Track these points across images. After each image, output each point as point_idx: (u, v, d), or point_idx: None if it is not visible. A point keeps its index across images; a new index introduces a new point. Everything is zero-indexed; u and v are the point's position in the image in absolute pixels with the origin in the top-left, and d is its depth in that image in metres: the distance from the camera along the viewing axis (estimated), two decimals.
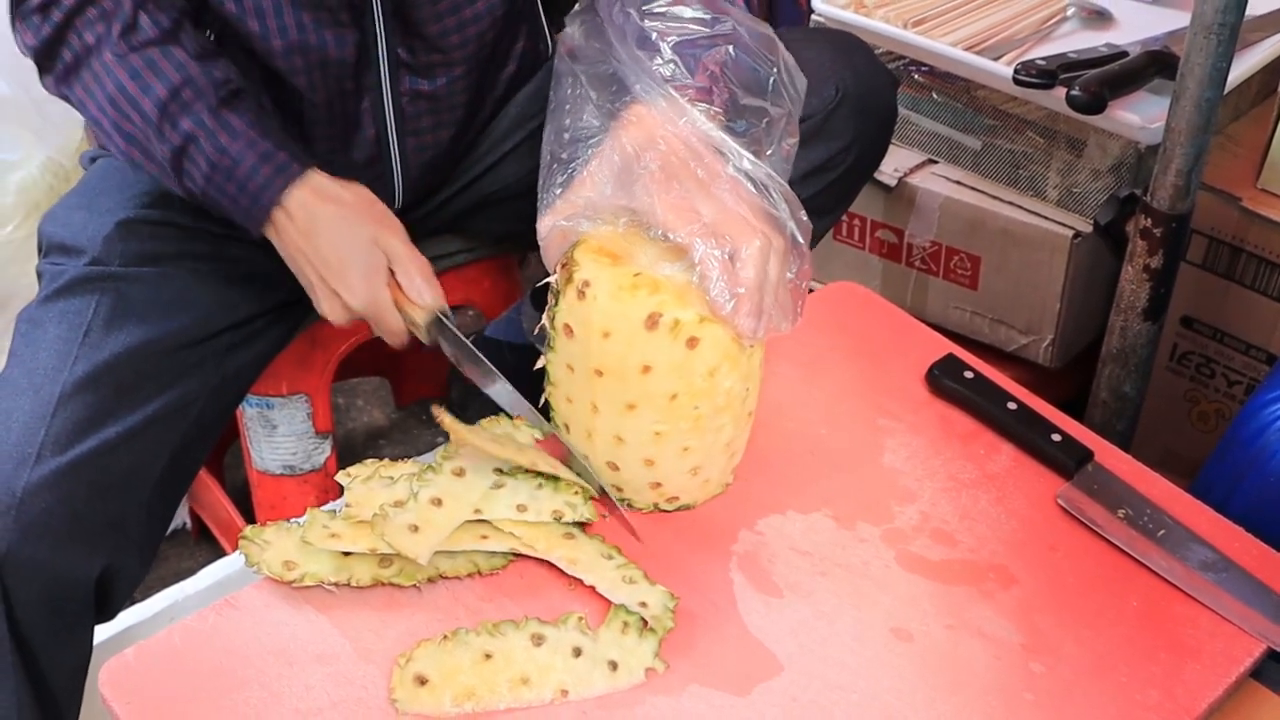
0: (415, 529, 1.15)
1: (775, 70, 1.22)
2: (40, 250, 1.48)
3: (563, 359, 1.20)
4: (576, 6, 1.30)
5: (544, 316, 1.22)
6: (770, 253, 1.15)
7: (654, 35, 1.22)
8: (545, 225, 1.22)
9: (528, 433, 1.28)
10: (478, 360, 1.31)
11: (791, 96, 1.23)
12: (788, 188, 1.18)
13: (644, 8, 1.23)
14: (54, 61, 1.36)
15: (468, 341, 1.32)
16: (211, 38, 1.39)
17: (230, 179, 1.33)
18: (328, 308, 1.37)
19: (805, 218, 1.18)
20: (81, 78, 1.35)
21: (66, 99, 1.38)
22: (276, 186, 1.33)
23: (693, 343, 1.14)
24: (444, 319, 1.34)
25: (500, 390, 1.31)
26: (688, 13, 1.23)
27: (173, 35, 1.35)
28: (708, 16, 1.23)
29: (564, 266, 1.18)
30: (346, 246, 1.34)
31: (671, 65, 1.21)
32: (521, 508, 1.20)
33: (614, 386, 1.18)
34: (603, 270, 1.16)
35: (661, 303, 1.14)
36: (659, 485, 1.24)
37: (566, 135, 1.24)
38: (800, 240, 1.17)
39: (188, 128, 1.33)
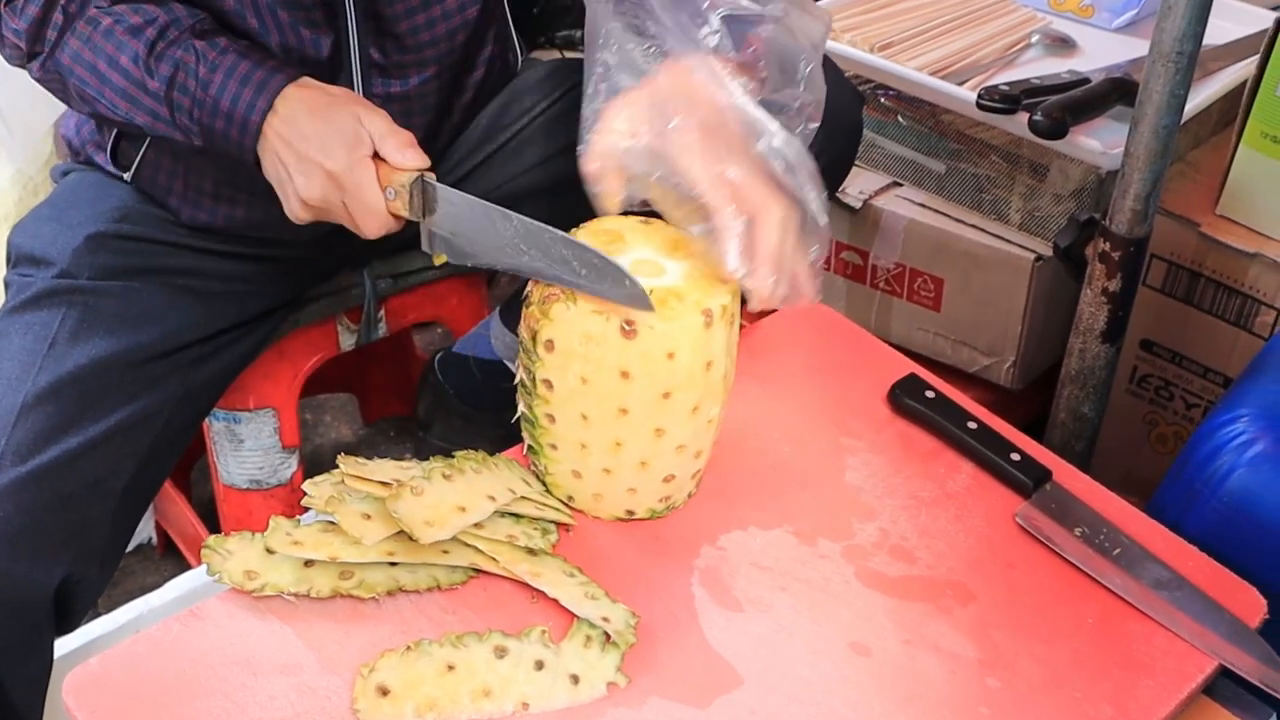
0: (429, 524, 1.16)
1: (814, 57, 1.23)
2: (8, 261, 1.48)
3: (541, 372, 1.20)
4: None
5: (521, 326, 1.23)
6: (790, 223, 1.16)
7: (705, 4, 1.22)
8: (591, 169, 1.20)
9: (506, 472, 1.28)
10: (477, 204, 1.26)
11: (820, 85, 1.24)
12: (815, 168, 1.18)
13: None
14: (42, 41, 1.35)
15: (461, 192, 1.27)
16: None
17: (216, 113, 1.32)
18: (302, 183, 1.30)
19: (825, 198, 1.19)
20: (68, 44, 1.34)
21: (56, 74, 1.37)
22: (266, 97, 1.31)
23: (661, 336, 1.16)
24: (428, 179, 1.28)
25: (506, 228, 1.24)
26: None
27: None
28: None
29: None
30: (330, 120, 1.30)
31: (718, 36, 1.21)
32: (479, 525, 1.20)
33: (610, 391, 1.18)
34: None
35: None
36: (669, 479, 1.25)
37: (610, 75, 1.23)
38: (820, 223, 1.18)
39: (177, 56, 1.32)
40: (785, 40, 1.23)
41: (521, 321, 1.22)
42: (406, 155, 1.29)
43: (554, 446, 1.24)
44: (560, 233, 1.18)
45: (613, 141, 1.19)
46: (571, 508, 1.27)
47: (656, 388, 1.17)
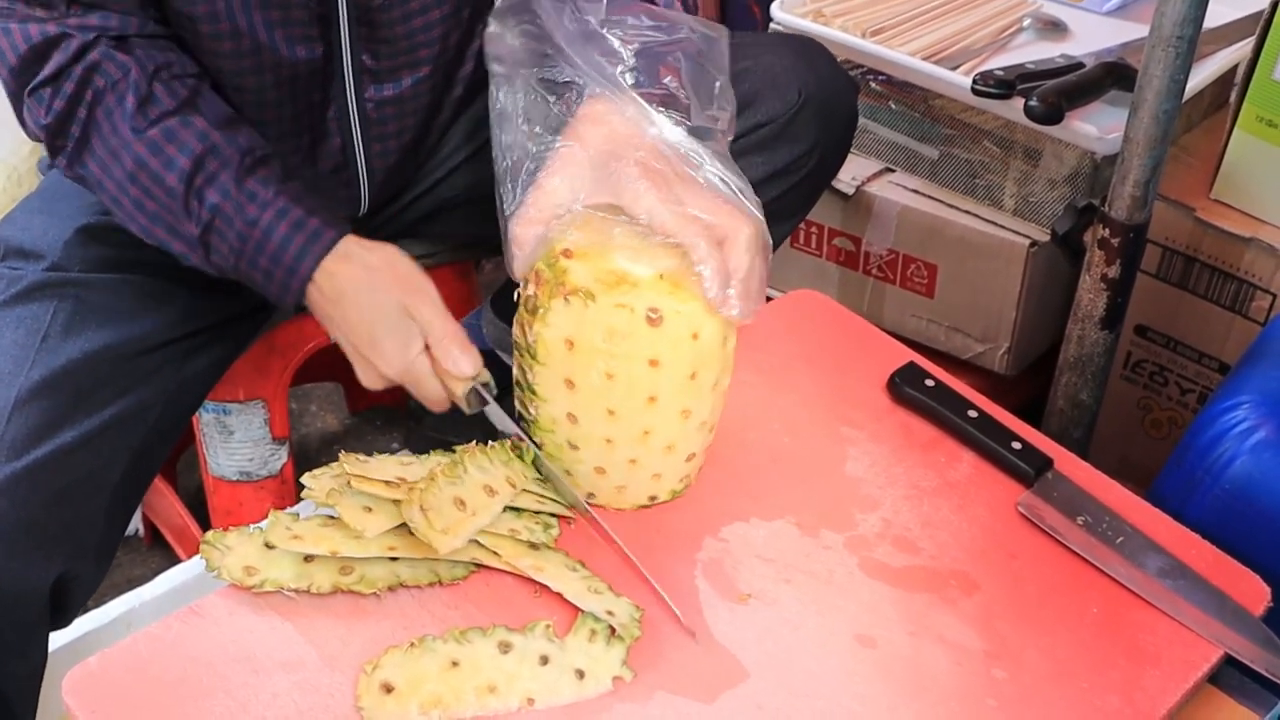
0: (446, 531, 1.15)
1: (722, 74, 1.23)
2: None
3: (560, 372, 1.19)
4: (499, 4, 1.28)
5: (517, 328, 1.22)
6: (756, 240, 1.17)
7: (616, 43, 1.22)
8: (522, 232, 1.20)
9: (506, 467, 1.26)
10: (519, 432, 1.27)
11: (730, 99, 1.24)
12: (752, 191, 1.19)
13: (605, 16, 1.23)
14: (65, 139, 1.31)
15: (510, 419, 1.28)
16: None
17: (262, 252, 1.29)
18: (362, 374, 1.32)
19: (762, 216, 1.20)
20: (96, 155, 1.31)
21: (82, 180, 1.34)
22: (314, 254, 1.29)
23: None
24: (482, 390, 1.28)
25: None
26: (647, 20, 1.23)
27: (191, 104, 1.32)
28: (664, 24, 1.23)
29: (539, 279, 1.18)
30: (376, 316, 1.28)
31: (634, 72, 1.21)
32: None
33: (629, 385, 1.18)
34: (587, 270, 1.16)
35: (658, 294, 1.15)
36: (690, 458, 1.26)
37: (526, 142, 1.23)
38: (766, 238, 1.19)
39: (215, 200, 1.29)
40: (694, 65, 1.23)
41: (521, 328, 1.21)
42: (461, 366, 1.27)
43: (574, 446, 1.23)
44: None
45: (545, 205, 1.20)
46: (591, 504, 1.26)
47: (684, 370, 1.18)
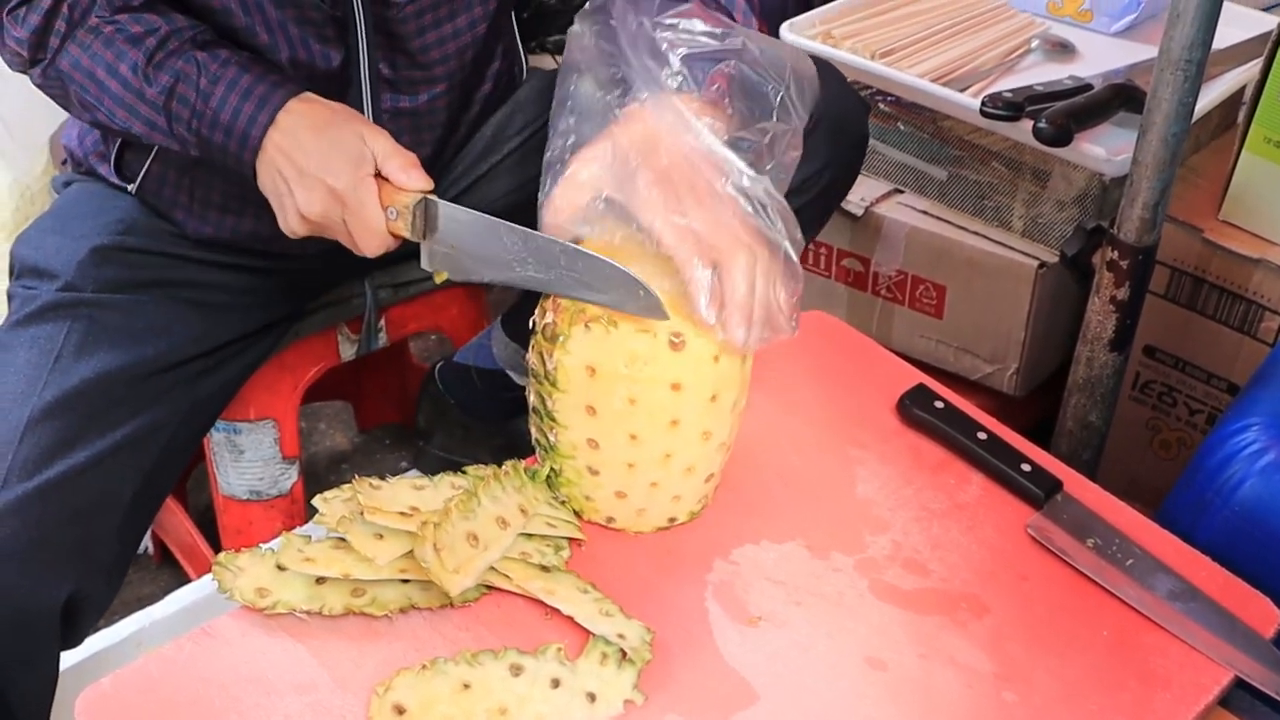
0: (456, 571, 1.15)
1: (784, 87, 1.22)
2: (11, 273, 1.47)
3: (581, 399, 1.20)
4: (588, 5, 1.29)
5: (533, 355, 1.22)
6: (757, 266, 1.15)
7: (664, 46, 1.22)
8: (551, 220, 1.21)
9: (518, 493, 1.26)
10: (482, 220, 1.24)
11: (798, 113, 1.23)
12: (785, 205, 1.19)
13: (656, 19, 1.23)
14: (44, 48, 1.35)
15: (465, 208, 1.26)
16: None
17: (225, 103, 1.31)
18: (303, 197, 1.29)
19: (800, 236, 1.19)
20: (69, 51, 1.34)
21: (58, 81, 1.37)
22: (283, 93, 1.31)
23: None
24: (431, 199, 1.27)
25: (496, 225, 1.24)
26: (699, 26, 1.23)
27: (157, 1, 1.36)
28: (719, 30, 1.23)
29: (557, 306, 1.19)
30: (333, 137, 1.29)
31: (680, 77, 1.21)
32: None
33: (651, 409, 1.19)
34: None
35: (679, 318, 1.16)
36: (709, 478, 1.27)
37: (571, 135, 1.23)
38: (794, 257, 1.18)
39: (178, 65, 1.32)
40: (750, 73, 1.22)
41: (540, 356, 1.21)
42: (411, 176, 1.28)
43: (595, 471, 1.23)
44: (571, 245, 1.17)
45: (574, 196, 1.20)
46: (611, 527, 1.26)
47: (705, 393, 1.19)
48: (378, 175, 1.28)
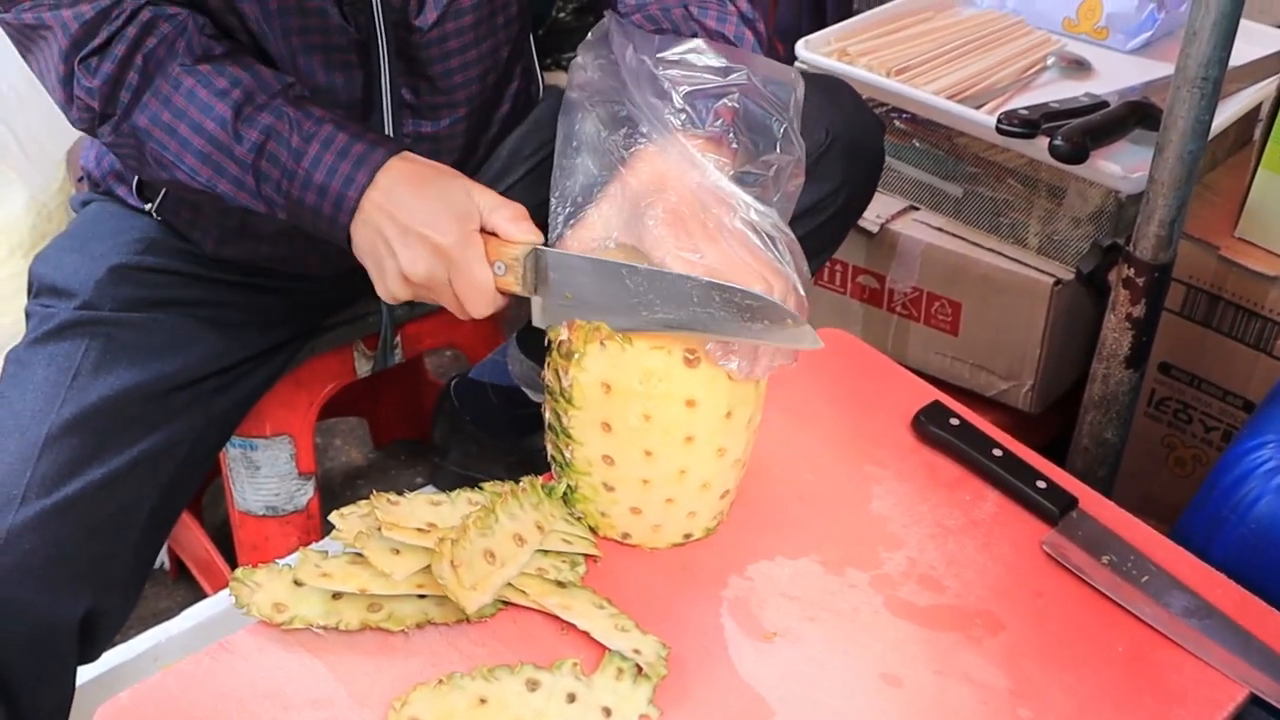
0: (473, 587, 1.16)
1: (787, 118, 1.23)
2: (30, 291, 1.48)
3: (596, 416, 1.20)
4: (590, 36, 1.29)
5: (549, 372, 1.22)
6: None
7: (666, 84, 1.22)
8: None
9: (534, 510, 1.25)
10: (600, 263, 1.19)
11: (800, 143, 1.24)
12: (793, 238, 1.19)
13: (658, 55, 1.23)
14: (115, 101, 1.28)
15: (577, 254, 1.21)
16: None
17: (319, 164, 1.26)
18: (407, 258, 1.22)
19: (806, 269, 1.20)
20: (146, 105, 1.28)
21: (133, 138, 1.30)
22: (383, 151, 1.26)
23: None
24: (542, 249, 1.21)
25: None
26: (701, 60, 1.24)
27: (238, 50, 1.32)
28: (720, 65, 1.23)
29: (572, 324, 1.19)
30: (436, 193, 1.23)
31: (683, 114, 1.22)
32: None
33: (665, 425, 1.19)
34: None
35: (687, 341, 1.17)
36: (724, 495, 1.27)
37: (579, 174, 1.24)
38: (801, 290, 1.19)
39: (268, 121, 1.27)
40: (754, 107, 1.23)
41: (555, 373, 1.21)
42: (521, 228, 1.22)
43: (610, 487, 1.23)
44: (705, 279, 1.14)
45: (584, 235, 1.21)
46: (626, 543, 1.27)
47: (720, 409, 1.19)
48: (483, 231, 1.23)
